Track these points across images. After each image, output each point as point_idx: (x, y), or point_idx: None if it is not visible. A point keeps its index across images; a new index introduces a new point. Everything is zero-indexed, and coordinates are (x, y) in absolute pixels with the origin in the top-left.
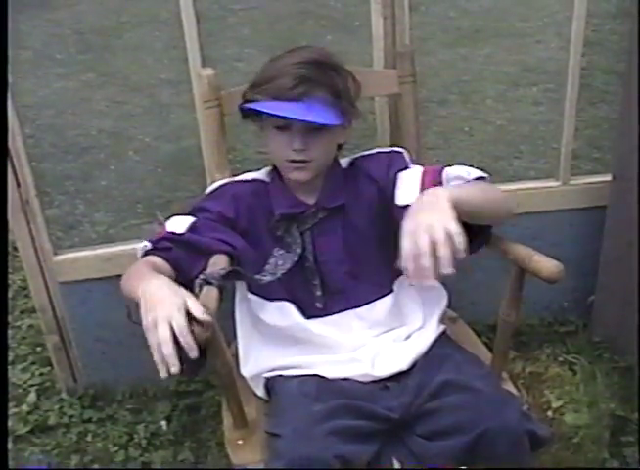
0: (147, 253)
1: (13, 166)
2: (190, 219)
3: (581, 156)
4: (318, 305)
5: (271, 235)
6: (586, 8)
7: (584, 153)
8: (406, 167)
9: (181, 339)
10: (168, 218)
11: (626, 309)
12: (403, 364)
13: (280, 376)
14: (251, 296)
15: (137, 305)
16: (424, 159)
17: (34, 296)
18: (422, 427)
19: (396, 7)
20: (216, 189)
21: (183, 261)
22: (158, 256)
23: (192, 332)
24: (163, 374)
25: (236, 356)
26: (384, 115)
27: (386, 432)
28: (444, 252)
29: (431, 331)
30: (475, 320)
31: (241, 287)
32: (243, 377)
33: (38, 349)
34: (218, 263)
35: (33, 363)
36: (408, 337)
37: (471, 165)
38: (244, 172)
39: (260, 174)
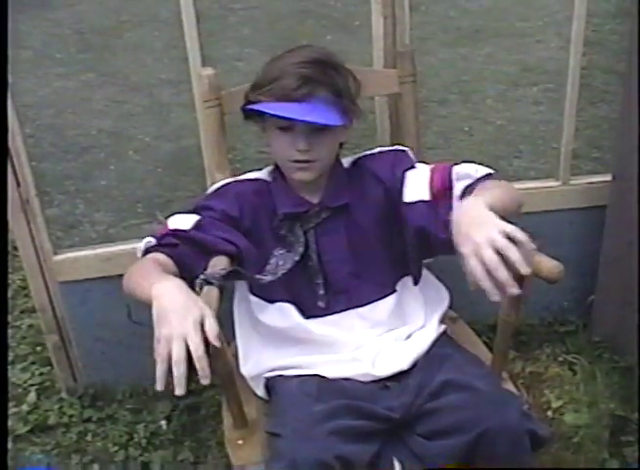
0: (149, 249)
1: (13, 166)
2: (194, 217)
3: (581, 156)
4: (321, 304)
5: (274, 235)
6: (586, 8)
7: (584, 153)
8: (412, 166)
9: (197, 363)
10: (169, 216)
11: (626, 309)
12: (404, 364)
13: (280, 376)
14: (252, 297)
15: (146, 306)
16: (424, 158)
17: (34, 295)
18: (422, 427)
19: (397, 7)
20: (219, 188)
21: (187, 259)
22: (162, 252)
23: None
24: (160, 387)
25: (236, 356)
26: (384, 114)
27: (386, 432)
28: (515, 255)
29: (431, 331)
30: (475, 320)
31: (240, 288)
32: (243, 377)
33: (38, 348)
34: (218, 264)
35: (33, 363)
36: (409, 336)
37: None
38: (244, 172)
39: (262, 174)
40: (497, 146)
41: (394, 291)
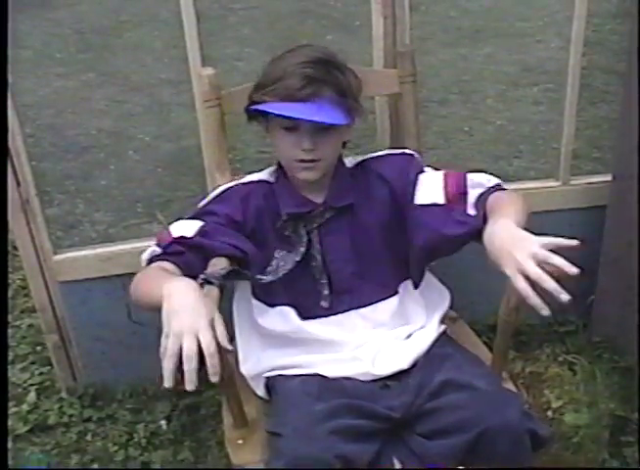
0: (154, 258)
1: (13, 166)
2: (198, 223)
3: (581, 156)
4: (324, 303)
5: (277, 235)
6: (587, 8)
7: (584, 153)
8: (422, 170)
9: (209, 359)
10: (172, 223)
11: (626, 309)
12: (404, 363)
13: (280, 375)
14: (253, 301)
15: (156, 308)
16: (424, 159)
17: (34, 295)
18: (422, 426)
19: (397, 7)
20: (222, 192)
21: (194, 266)
22: (168, 261)
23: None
24: (169, 384)
25: (235, 356)
26: (384, 114)
27: (386, 431)
28: (558, 260)
29: (431, 330)
30: (475, 320)
31: (241, 288)
32: (243, 376)
33: (38, 348)
34: (218, 264)
35: (33, 363)
36: (409, 336)
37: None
38: (245, 173)
39: (264, 175)
40: (497, 146)
41: (397, 292)
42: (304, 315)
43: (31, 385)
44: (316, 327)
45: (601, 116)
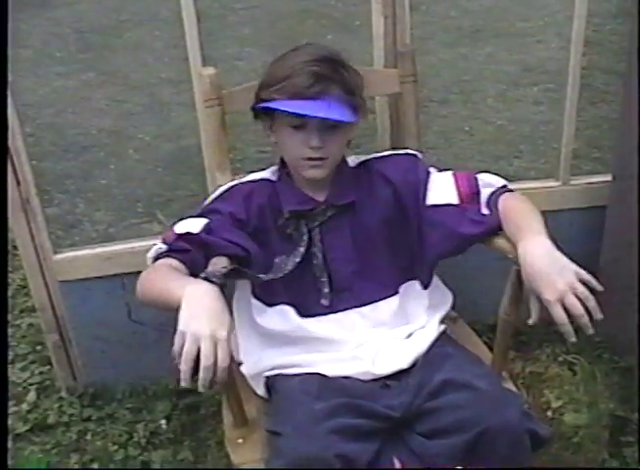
0: (161, 255)
1: (13, 165)
2: (203, 220)
3: (581, 156)
4: (324, 302)
5: (280, 234)
6: (587, 8)
7: (584, 153)
8: (427, 171)
9: (220, 371)
10: (176, 222)
11: (626, 309)
12: (404, 363)
13: (280, 375)
14: (253, 300)
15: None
16: (424, 159)
17: (34, 294)
18: (422, 426)
19: (397, 6)
20: (225, 191)
21: (199, 263)
22: (174, 258)
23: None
24: (186, 384)
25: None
26: (384, 114)
27: (386, 430)
28: (592, 304)
29: (432, 330)
30: (475, 320)
31: (241, 287)
32: (243, 376)
33: (38, 347)
34: (218, 263)
35: (33, 362)
36: (409, 335)
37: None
38: (246, 172)
39: (267, 174)
40: (497, 146)
41: (397, 292)
42: (304, 313)
43: (31, 384)
44: (316, 325)
45: (601, 116)
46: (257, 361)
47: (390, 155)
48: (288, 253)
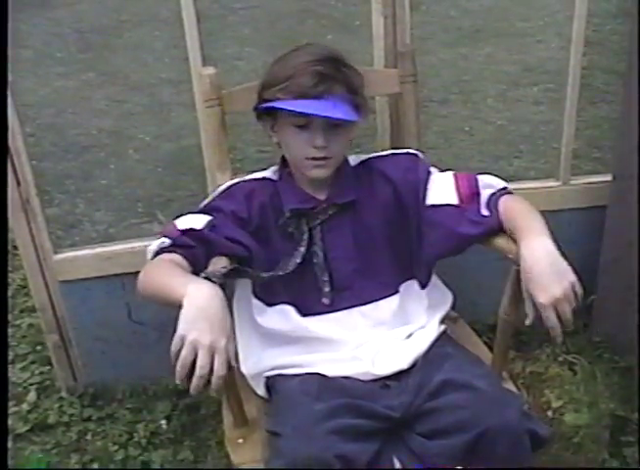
0: (164, 249)
1: (13, 165)
2: (206, 217)
3: (581, 156)
4: (325, 300)
5: (281, 233)
6: (587, 8)
7: (584, 153)
8: (428, 170)
9: (215, 379)
10: (178, 217)
11: (626, 309)
12: (404, 363)
13: (280, 375)
14: (253, 300)
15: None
16: (425, 158)
17: (34, 295)
18: (422, 426)
19: (397, 6)
20: (227, 189)
21: (200, 261)
22: (177, 253)
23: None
24: (182, 384)
25: (235, 355)
26: (384, 114)
27: (386, 431)
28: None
29: (432, 330)
30: (475, 320)
31: (241, 287)
32: (243, 376)
33: (38, 347)
34: (218, 262)
35: (33, 362)
36: (409, 336)
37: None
38: (247, 172)
39: (268, 173)
40: (497, 146)
41: (397, 291)
42: (305, 313)
43: (31, 384)
44: (316, 324)
45: (601, 116)
46: (258, 361)
47: (391, 154)
48: (289, 251)
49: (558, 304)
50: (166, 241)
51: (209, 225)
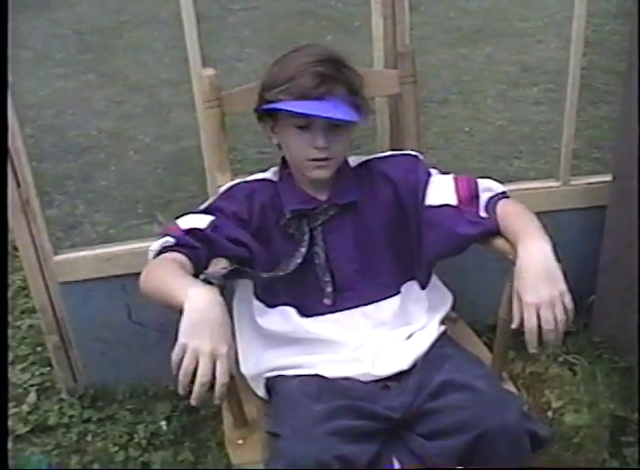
0: (166, 248)
1: (13, 166)
2: (209, 217)
3: (581, 156)
4: (327, 301)
5: (282, 234)
6: (586, 8)
7: (584, 153)
8: (428, 172)
9: (218, 387)
10: (180, 217)
11: (626, 309)
12: (404, 364)
13: (280, 376)
14: (255, 301)
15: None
16: (425, 159)
17: (34, 296)
18: (422, 427)
19: (396, 7)
20: (228, 189)
21: (202, 262)
22: (180, 252)
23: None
24: (183, 393)
25: (235, 355)
26: (384, 115)
27: (386, 431)
28: (562, 328)
29: (432, 331)
30: (475, 320)
31: (241, 288)
32: (243, 377)
33: (38, 349)
34: (218, 263)
35: (33, 363)
36: (409, 336)
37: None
38: (247, 173)
39: (268, 174)
40: (497, 146)
41: (399, 292)
42: (306, 314)
43: (32, 385)
44: (317, 325)
45: (601, 116)
46: (258, 362)
47: (392, 155)
48: (290, 252)
49: (541, 307)
50: (170, 240)
51: (212, 225)
